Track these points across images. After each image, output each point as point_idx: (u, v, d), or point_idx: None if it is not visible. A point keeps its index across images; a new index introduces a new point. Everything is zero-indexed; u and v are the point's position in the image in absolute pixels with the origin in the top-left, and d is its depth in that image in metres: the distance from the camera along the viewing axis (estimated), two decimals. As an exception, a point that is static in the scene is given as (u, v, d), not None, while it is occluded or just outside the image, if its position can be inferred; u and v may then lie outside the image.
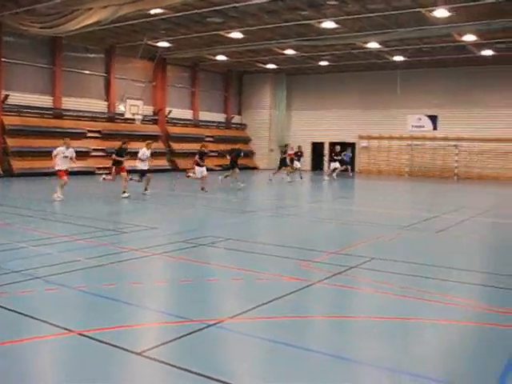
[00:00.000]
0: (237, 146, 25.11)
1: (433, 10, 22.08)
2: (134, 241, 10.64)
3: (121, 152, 19.59)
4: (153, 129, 35.83)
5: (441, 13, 22.24)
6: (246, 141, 42.82)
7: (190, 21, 25.46)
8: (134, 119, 32.81)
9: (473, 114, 36.04)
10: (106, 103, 33.25)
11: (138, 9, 21.27)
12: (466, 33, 26.11)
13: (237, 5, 22.05)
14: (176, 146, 36.48)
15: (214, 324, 5.77)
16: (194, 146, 37.27)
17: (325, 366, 4.93)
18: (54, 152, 17.42)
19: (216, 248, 10.24)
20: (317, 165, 41.73)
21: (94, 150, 31.03)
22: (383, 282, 7.80)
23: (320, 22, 24.79)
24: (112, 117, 33.30)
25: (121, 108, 32.36)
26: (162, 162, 34.75)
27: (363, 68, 37.90)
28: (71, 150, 17.60)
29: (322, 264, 8.91)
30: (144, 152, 19.72)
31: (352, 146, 38.99)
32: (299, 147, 32.52)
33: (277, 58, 35.09)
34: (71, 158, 17.60)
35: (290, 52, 32.53)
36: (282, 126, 42.72)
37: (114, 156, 19.74)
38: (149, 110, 35.58)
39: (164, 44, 30.92)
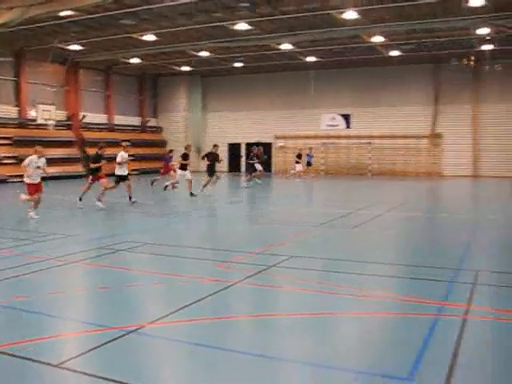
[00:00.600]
0: (213, 150, 22.46)
1: (342, 12, 22.69)
2: (50, 249, 10.35)
3: (97, 158, 17.82)
4: (67, 134, 34.90)
5: (350, 15, 22.89)
6: (163, 144, 42.52)
7: (101, 23, 25.01)
8: (46, 125, 31.91)
9: (383, 113, 37.39)
10: (17, 108, 32.15)
11: (46, 11, 20.72)
12: (374, 34, 26.99)
13: (149, 7, 21.86)
14: (92, 152, 35.59)
15: (135, 330, 5.71)
16: (111, 151, 36.78)
17: (249, 365, 4.99)
18: (26, 162, 14.98)
19: (135, 253, 10.13)
20: (234, 166, 41.82)
21: (5, 157, 29.94)
22: (302, 279, 7.96)
23: (233, 24, 24.96)
24: (23, 122, 32.22)
25: (32, 113, 31.41)
26: (77, 169, 33.87)
27: (277, 69, 38.45)
28: (43, 159, 15.20)
29: (242, 264, 8.98)
30: (123, 155, 18.20)
31: (268, 146, 39.51)
32: (258, 148, 29.83)
33: (191, 60, 35.02)
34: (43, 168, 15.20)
35: (204, 54, 32.56)
36: (198, 127, 42.66)
37: (91, 164, 18.10)
38: (62, 115, 34.69)
39: (76, 47, 30.21)
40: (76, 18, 23.75)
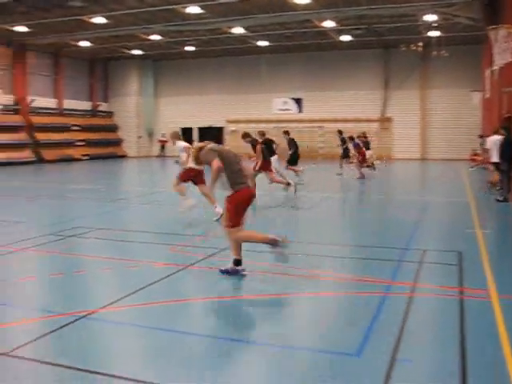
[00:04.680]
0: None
1: (293, -3, 22.77)
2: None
3: None
4: (15, 119, 34.09)
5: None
6: (114, 129, 42.03)
7: (49, 4, 24.37)
8: (-8, 109, 31.15)
9: (334, 97, 37.79)
10: (-39, 93, 31.25)
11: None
12: (325, 19, 27.17)
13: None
14: (41, 137, 34.96)
15: (85, 316, 5.71)
16: (61, 136, 36.20)
17: (204, 347, 5.07)
18: None
19: (85, 239, 10.05)
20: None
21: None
22: (252, 262, 8.06)
23: (185, 8, 24.76)
24: (-33, 107, 31.35)
25: (-23, 98, 30.60)
26: (26, 154, 33.19)
27: (229, 53, 38.32)
28: None
29: (193, 248, 9.04)
30: None
31: (220, 130, 39.51)
32: (364, 133, 27.34)
33: (142, 43, 34.62)
34: None
35: (155, 38, 32.23)
36: (150, 112, 42.30)
37: None
38: (9, 99, 33.85)
39: (22, 29, 29.33)
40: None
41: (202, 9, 24.94)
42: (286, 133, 20.46)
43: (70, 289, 6.95)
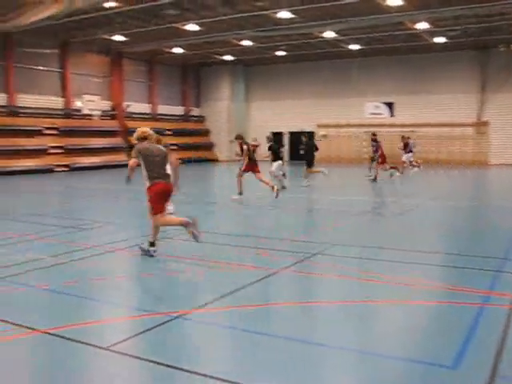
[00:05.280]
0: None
1: (386, -1, 22.42)
2: (95, 237, 10.58)
3: None
4: (111, 124, 35.47)
5: (394, 1, 22.60)
6: (205, 133, 42.80)
7: (145, 13, 25.29)
8: (91, 115, 32.46)
9: (427, 100, 36.80)
10: (63, 99, 32.74)
11: (91, 2, 21.03)
12: (419, 21, 26.56)
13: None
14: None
15: (180, 316, 5.81)
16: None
17: (292, 350, 5.02)
18: None
19: (174, 240, 10.22)
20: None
21: (52, 147, 30.57)
22: (345, 267, 7.96)
23: (276, 13, 24.90)
24: (69, 113, 32.83)
25: (78, 104, 31.98)
26: (121, 157, 34.45)
27: (320, 57, 38.18)
28: None
29: (284, 252, 9.02)
30: None
31: (311, 134, 39.32)
32: (404, 137, 27.96)
33: (234, 49, 35.11)
34: None
35: (246, 43, 32.59)
36: (241, 117, 42.78)
37: None
38: (106, 105, 35.22)
39: (119, 38, 30.63)
40: (119, 9, 24.09)
41: (293, 14, 25.00)
42: (374, 135, 20.74)
43: (163, 289, 7.11)
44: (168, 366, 4.59)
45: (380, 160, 22.66)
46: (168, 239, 10.24)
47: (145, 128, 9.46)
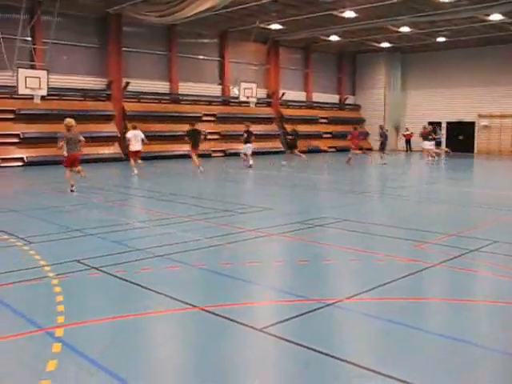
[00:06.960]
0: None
1: None
2: (250, 221, 10.86)
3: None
4: (266, 111, 36.22)
5: None
6: (361, 122, 42.25)
7: (301, 2, 25.43)
8: (248, 102, 33.30)
9: None
10: (221, 87, 33.96)
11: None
12: None
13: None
14: (290, 128, 36.54)
15: (333, 303, 5.82)
16: (308, 128, 37.46)
17: (442, 347, 4.86)
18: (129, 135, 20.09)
19: (331, 229, 10.24)
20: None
21: (210, 133, 31.76)
22: (505, 266, 7.51)
23: (437, -4, 23.93)
24: (226, 100, 33.98)
25: (235, 91, 32.94)
26: (277, 144, 35.24)
27: (484, 42, 36.12)
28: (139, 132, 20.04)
29: (440, 246, 8.69)
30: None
31: (471, 125, 37.64)
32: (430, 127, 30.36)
33: (391, 36, 34.31)
34: (143, 140, 19.91)
35: (404, 29, 31.68)
36: (398, 105, 41.77)
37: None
38: (262, 92, 35.95)
39: (276, 26, 31.09)
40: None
41: (456, -3, 23.90)
42: None
43: (317, 276, 7.14)
44: (319, 352, 4.61)
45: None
46: (323, 226, 10.28)
47: None
